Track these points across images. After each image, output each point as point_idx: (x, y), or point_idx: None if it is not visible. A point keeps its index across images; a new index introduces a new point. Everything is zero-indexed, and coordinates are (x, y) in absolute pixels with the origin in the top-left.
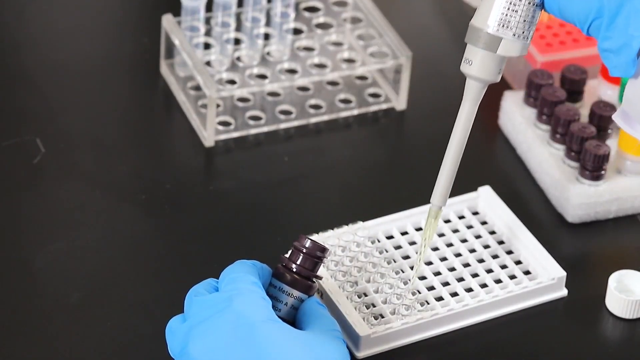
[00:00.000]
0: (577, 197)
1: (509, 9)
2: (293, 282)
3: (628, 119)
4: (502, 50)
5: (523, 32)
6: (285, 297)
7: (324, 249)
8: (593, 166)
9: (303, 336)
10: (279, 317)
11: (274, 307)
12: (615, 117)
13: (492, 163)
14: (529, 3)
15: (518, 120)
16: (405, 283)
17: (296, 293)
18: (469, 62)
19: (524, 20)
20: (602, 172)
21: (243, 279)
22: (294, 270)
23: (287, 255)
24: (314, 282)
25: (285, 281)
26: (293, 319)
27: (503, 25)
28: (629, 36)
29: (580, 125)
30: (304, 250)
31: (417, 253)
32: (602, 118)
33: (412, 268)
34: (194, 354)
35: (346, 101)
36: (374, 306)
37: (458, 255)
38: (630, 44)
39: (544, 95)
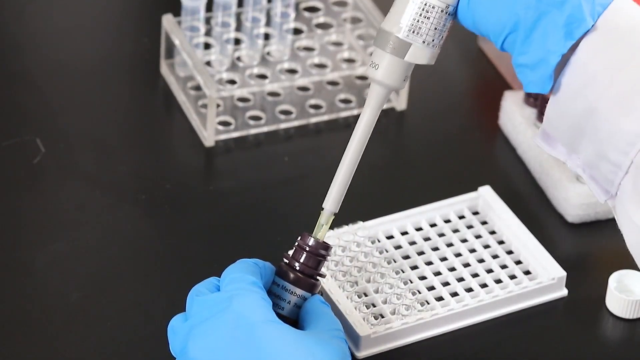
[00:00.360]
0: (577, 197)
1: (420, 14)
2: (296, 280)
3: (549, 139)
4: (410, 57)
5: (433, 40)
6: (288, 295)
7: (327, 247)
8: None
9: (302, 336)
10: (282, 315)
11: (277, 305)
12: (535, 139)
13: (492, 163)
14: (442, 11)
15: (518, 120)
16: (406, 283)
17: (299, 291)
18: (375, 66)
19: (435, 28)
20: None
21: (243, 279)
22: (298, 268)
23: (290, 253)
24: (318, 280)
25: (289, 280)
26: (297, 317)
27: (413, 32)
28: (546, 51)
29: None
30: (308, 249)
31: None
32: None
33: (412, 268)
34: (193, 354)
35: (346, 101)
36: (374, 306)
37: (458, 255)
38: (547, 59)
39: (544, 95)
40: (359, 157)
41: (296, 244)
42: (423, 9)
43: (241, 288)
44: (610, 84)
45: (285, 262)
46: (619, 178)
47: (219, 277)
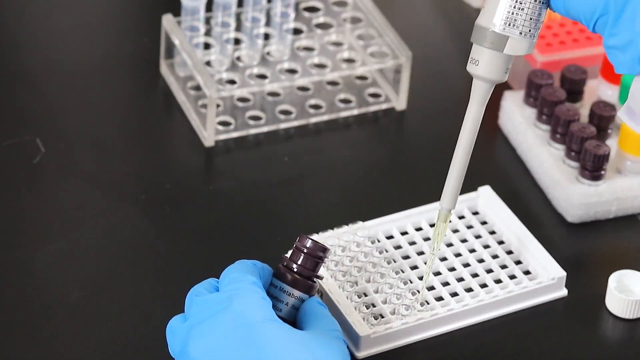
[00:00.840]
0: (577, 197)
1: (515, 7)
2: (294, 282)
3: (633, 115)
4: (509, 49)
5: (530, 31)
6: (286, 297)
7: (325, 249)
8: (593, 166)
9: (303, 336)
10: (280, 317)
11: (274, 307)
12: (620, 113)
13: (492, 163)
14: (535, 1)
15: (518, 120)
16: (405, 283)
17: (297, 293)
18: (476, 62)
19: (530, 19)
20: (602, 172)
21: (243, 279)
22: (295, 270)
23: (288, 255)
24: (315, 282)
25: (286, 281)
26: (294, 319)
27: (509, 24)
28: (635, 33)
29: (580, 125)
30: (305, 251)
31: (425, 263)
32: (602, 118)
33: (412, 268)
34: (193, 354)
35: (346, 101)
36: (374, 306)
37: (458, 255)
38: (636, 40)
39: (544, 95)
40: (470, 153)
41: (294, 245)
42: (517, 1)
43: (241, 288)
44: None
45: (283, 264)
46: None
47: (219, 277)
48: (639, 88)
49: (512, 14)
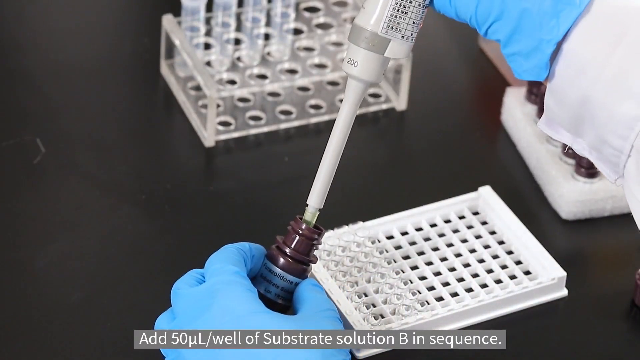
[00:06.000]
0: (571, 194)
1: (398, 10)
2: (286, 265)
3: (552, 125)
4: (390, 53)
5: (411, 34)
6: (278, 280)
7: (319, 232)
8: (588, 163)
9: (290, 322)
10: (273, 300)
11: (267, 290)
12: (540, 124)
13: (494, 161)
14: (419, 5)
15: (519, 116)
16: (406, 283)
17: (289, 277)
18: (354, 63)
19: (413, 22)
20: (597, 169)
21: (225, 270)
22: (288, 253)
23: (281, 238)
24: (309, 265)
25: (279, 265)
26: (287, 301)
27: (392, 27)
28: (539, 40)
29: None
30: (300, 233)
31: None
32: None
33: (412, 269)
34: (187, 356)
35: None
36: (374, 306)
37: (458, 255)
38: (541, 47)
39: (545, 92)
40: (340, 153)
41: (289, 227)
42: (400, 4)
43: (223, 281)
44: (602, 70)
45: (276, 247)
46: (622, 161)
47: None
48: (552, 96)
49: (396, 17)
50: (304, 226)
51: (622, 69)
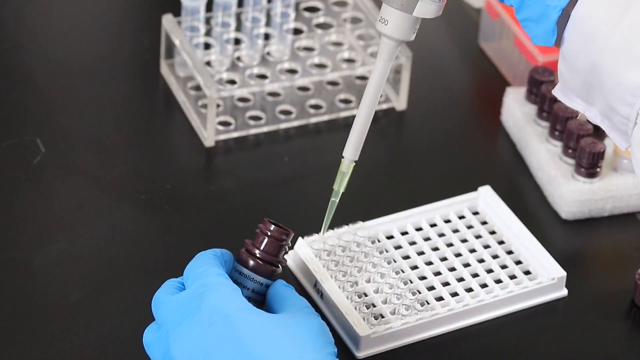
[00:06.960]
0: (571, 194)
1: None
2: (256, 267)
3: (567, 92)
4: (418, 12)
5: None
6: (249, 282)
7: (287, 234)
8: (588, 163)
9: (279, 319)
10: None
11: None
12: (555, 91)
13: (493, 161)
14: None
15: (518, 116)
16: (406, 283)
17: (259, 279)
18: (385, 21)
19: None
20: (597, 169)
21: (209, 273)
22: (257, 255)
23: (250, 241)
24: (278, 267)
25: (248, 267)
26: (259, 304)
27: None
28: (546, 6)
29: (577, 122)
30: (268, 234)
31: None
32: None
33: (412, 268)
34: (178, 358)
35: (346, 101)
36: (374, 306)
37: (458, 255)
38: (547, 13)
39: (544, 92)
40: (374, 107)
41: (257, 230)
42: None
43: (209, 282)
44: (609, 37)
45: (245, 249)
46: (629, 129)
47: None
48: (563, 64)
49: None
50: (272, 227)
51: (629, 37)
